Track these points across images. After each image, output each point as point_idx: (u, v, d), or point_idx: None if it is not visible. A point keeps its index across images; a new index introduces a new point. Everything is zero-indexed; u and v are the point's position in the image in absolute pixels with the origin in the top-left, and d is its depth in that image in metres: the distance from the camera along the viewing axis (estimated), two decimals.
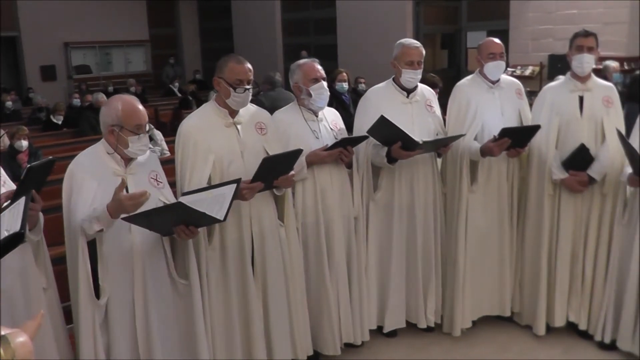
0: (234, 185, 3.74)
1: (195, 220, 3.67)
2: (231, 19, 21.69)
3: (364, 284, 5.12)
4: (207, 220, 3.74)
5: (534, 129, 4.97)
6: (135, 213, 3.50)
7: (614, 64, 9.87)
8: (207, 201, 3.68)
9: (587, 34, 5.06)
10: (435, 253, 5.29)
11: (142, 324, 3.81)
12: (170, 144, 8.82)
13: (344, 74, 8.85)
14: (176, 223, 3.67)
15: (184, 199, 3.67)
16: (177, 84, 18.68)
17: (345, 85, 8.83)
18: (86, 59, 22.16)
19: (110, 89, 16.97)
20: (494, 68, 5.18)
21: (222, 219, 3.68)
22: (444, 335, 5.40)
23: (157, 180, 3.93)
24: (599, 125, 5.03)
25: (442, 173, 5.38)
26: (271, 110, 4.81)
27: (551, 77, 5.24)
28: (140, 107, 3.78)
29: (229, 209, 3.72)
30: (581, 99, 5.07)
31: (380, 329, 5.37)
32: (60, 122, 12.52)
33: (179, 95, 17.08)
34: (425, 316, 5.35)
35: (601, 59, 12.05)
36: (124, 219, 3.51)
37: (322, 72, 4.80)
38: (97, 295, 3.70)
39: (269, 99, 9.55)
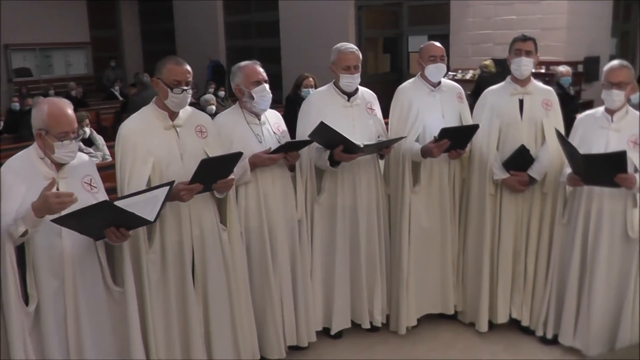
0: (167, 188, 3.72)
1: (124, 221, 3.64)
2: (173, 21, 21.55)
3: (308, 286, 5.13)
4: (137, 221, 3.68)
5: (473, 128, 5.09)
6: (63, 214, 3.47)
7: (563, 69, 10.10)
8: (140, 204, 3.64)
9: (525, 38, 5.20)
10: (380, 253, 5.34)
11: (73, 331, 3.75)
12: (112, 148, 8.70)
13: (311, 79, 8.13)
14: (106, 225, 3.63)
15: (117, 203, 3.60)
16: (117, 87, 18.39)
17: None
18: (26, 61, 21.78)
19: (51, 92, 16.65)
20: (434, 70, 5.27)
21: (152, 220, 3.67)
22: (390, 334, 5.45)
23: (90, 185, 3.86)
24: (538, 127, 5.17)
25: (385, 174, 5.44)
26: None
27: None
28: (69, 112, 3.70)
29: (160, 211, 3.73)
30: (521, 102, 5.20)
31: (325, 330, 5.39)
32: (0, 128, 12.27)
33: (121, 98, 16.89)
34: (373, 316, 5.39)
35: (540, 64, 12.37)
36: (53, 220, 3.46)
37: (264, 74, 4.77)
38: (27, 302, 3.63)
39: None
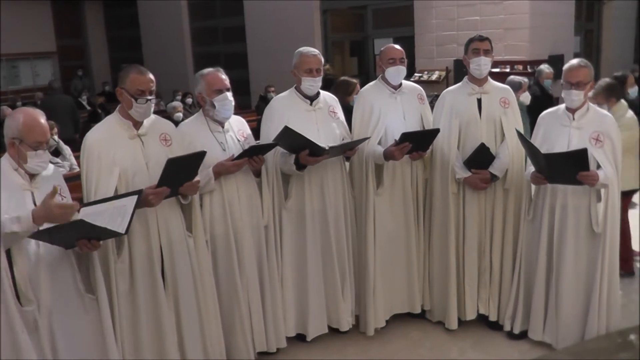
0: (135, 197, 3.74)
1: (96, 234, 3.67)
2: (139, 28, 21.45)
3: (277, 292, 5.13)
4: (109, 234, 3.74)
5: (434, 132, 5.16)
6: (37, 231, 3.50)
7: (548, 70, 10.19)
8: (108, 213, 3.67)
9: (482, 38, 5.28)
10: (349, 255, 5.37)
11: (46, 334, 3.75)
12: (79, 158, 8.60)
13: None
14: (78, 238, 3.66)
15: (85, 210, 3.65)
16: (85, 97, 18.22)
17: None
18: None
19: (19, 103, 16.44)
20: (394, 73, 5.32)
21: (123, 232, 3.71)
22: (359, 335, 5.48)
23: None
24: (497, 125, 5.25)
25: (350, 177, 5.47)
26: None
27: (458, 81, 5.43)
28: (43, 122, 3.74)
29: (131, 222, 3.74)
30: (479, 101, 5.27)
31: (298, 334, 5.38)
32: None
33: (89, 108, 16.75)
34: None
35: (505, 63, 12.48)
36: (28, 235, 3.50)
37: (227, 82, 4.77)
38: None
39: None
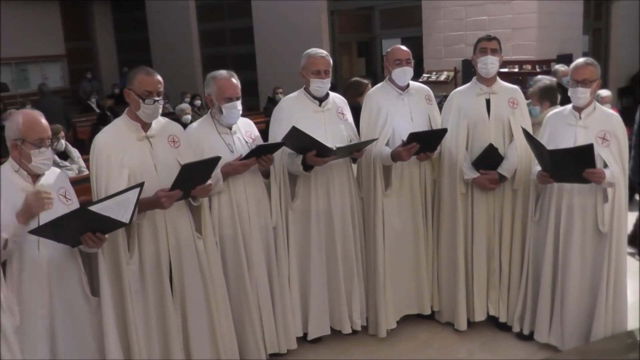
0: (138, 189, 3.75)
1: (100, 225, 3.68)
2: (147, 30, 21.49)
3: (286, 293, 5.14)
4: (112, 225, 3.73)
5: (441, 132, 5.15)
6: (40, 225, 3.53)
7: (563, 68, 10.14)
8: (112, 207, 3.67)
9: (489, 37, 5.27)
10: (357, 257, 5.36)
11: (48, 343, 3.77)
12: (88, 161, 8.59)
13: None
14: (82, 231, 3.65)
15: (90, 208, 3.66)
16: (94, 99, 18.23)
17: None
18: (2, 76, 21.52)
19: (28, 107, 16.42)
20: (400, 74, 5.31)
21: (126, 222, 3.71)
22: (368, 336, 5.48)
23: (65, 197, 3.91)
24: (506, 125, 5.24)
25: (358, 178, 5.47)
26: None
27: (466, 81, 5.40)
28: (43, 120, 3.78)
29: (134, 213, 3.76)
30: (488, 101, 5.26)
31: (306, 335, 5.39)
32: None
33: (97, 110, 16.76)
34: (352, 320, 5.40)
35: (514, 63, 12.44)
36: (30, 232, 3.51)
37: (238, 89, 4.77)
38: None
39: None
